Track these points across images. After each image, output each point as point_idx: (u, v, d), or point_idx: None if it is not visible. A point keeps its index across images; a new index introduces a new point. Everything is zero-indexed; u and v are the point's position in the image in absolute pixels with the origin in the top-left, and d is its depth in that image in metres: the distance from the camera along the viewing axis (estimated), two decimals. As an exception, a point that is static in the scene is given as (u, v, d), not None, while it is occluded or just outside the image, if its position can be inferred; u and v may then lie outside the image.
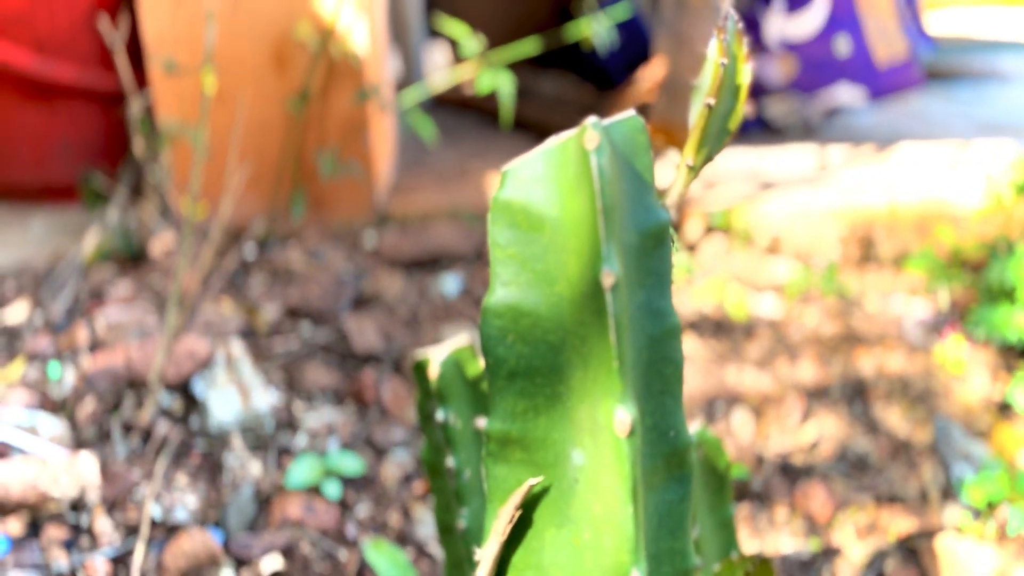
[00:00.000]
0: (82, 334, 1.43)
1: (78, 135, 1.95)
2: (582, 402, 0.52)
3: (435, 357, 0.80)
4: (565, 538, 0.54)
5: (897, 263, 1.83)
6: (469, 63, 1.81)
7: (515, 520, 0.55)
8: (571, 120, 2.42)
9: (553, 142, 0.52)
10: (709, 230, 1.95)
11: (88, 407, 1.24)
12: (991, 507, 1.14)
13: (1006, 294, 1.43)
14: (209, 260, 1.68)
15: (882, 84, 2.85)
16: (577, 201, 0.50)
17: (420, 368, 0.81)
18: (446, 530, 0.83)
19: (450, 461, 0.81)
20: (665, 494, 0.56)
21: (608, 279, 0.48)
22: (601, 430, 0.51)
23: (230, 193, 1.53)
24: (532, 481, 0.53)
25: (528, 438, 0.54)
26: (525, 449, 0.54)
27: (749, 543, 1.13)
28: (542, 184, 0.52)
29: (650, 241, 0.53)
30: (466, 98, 2.74)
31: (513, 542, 0.55)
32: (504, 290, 0.53)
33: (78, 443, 1.18)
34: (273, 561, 1.01)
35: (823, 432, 1.33)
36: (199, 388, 1.24)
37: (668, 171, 2.23)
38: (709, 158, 0.56)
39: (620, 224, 0.51)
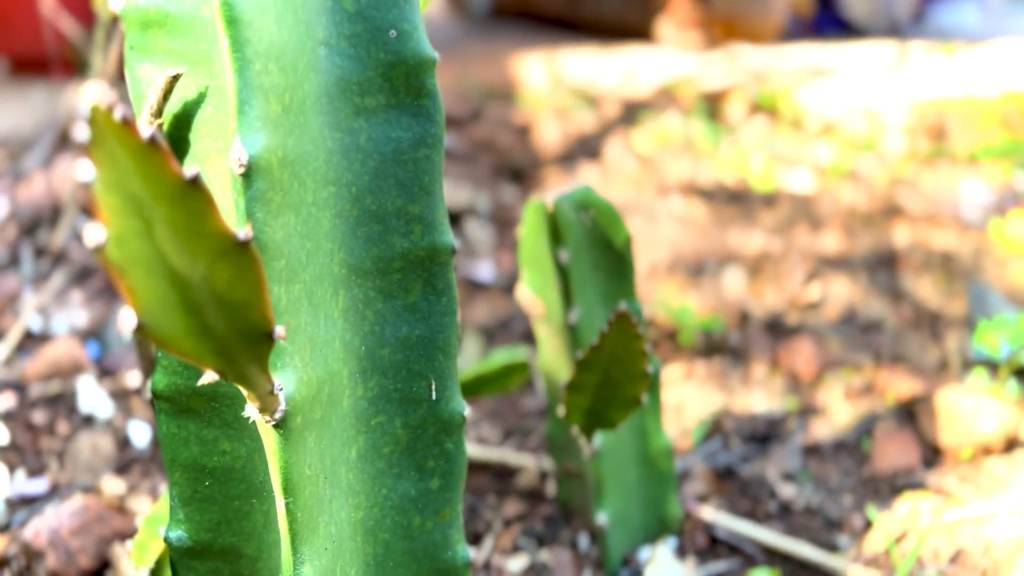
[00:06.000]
0: (39, 179, 1.36)
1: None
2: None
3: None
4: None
5: (969, 157, 1.58)
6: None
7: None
8: (637, 16, 2.22)
9: None
10: (754, 109, 1.74)
11: (8, 234, 1.15)
12: (1011, 365, 0.91)
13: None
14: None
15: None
16: None
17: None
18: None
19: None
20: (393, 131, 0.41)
21: None
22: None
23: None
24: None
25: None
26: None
27: (714, 399, 0.95)
28: None
29: None
30: (524, 4, 2.55)
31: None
32: None
33: (-13, 265, 1.10)
34: (136, 377, 0.90)
35: (829, 294, 1.13)
36: (121, 215, 1.14)
37: (725, 68, 2.03)
38: None
39: None
